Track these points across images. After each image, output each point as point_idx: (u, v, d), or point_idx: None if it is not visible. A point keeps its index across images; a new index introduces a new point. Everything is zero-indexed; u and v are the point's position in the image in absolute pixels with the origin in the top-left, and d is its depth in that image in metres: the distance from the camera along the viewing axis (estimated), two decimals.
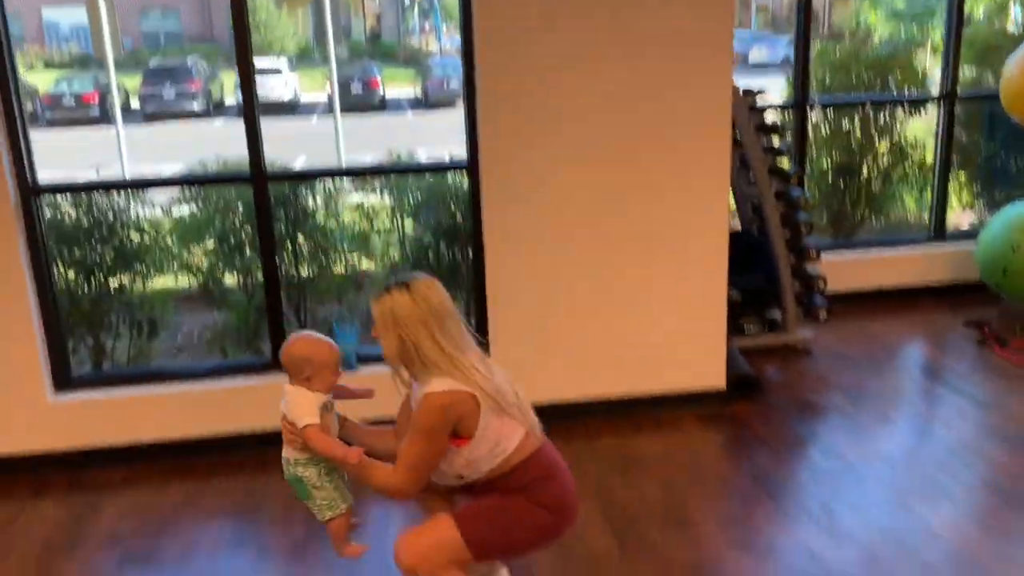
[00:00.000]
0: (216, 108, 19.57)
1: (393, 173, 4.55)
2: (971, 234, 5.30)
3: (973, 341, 4.67)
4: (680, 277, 3.87)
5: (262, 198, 3.67)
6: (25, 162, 3.50)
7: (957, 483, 3.33)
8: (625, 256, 3.82)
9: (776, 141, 4.56)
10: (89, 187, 3.99)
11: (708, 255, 3.87)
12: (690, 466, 3.56)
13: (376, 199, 4.87)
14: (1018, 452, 3.54)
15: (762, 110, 4.53)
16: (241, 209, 4.41)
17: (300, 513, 3.28)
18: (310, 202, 4.59)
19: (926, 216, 5.67)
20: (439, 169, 4.34)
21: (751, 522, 3.12)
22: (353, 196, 5.02)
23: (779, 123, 4.56)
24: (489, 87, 3.58)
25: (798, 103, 5.09)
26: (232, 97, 18.14)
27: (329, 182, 4.62)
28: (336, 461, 2.31)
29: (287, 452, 2.36)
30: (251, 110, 3.58)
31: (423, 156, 4.79)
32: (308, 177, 4.46)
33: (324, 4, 10.39)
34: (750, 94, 4.50)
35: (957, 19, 5.09)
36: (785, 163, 4.76)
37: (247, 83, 3.55)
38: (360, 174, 4.48)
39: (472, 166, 3.73)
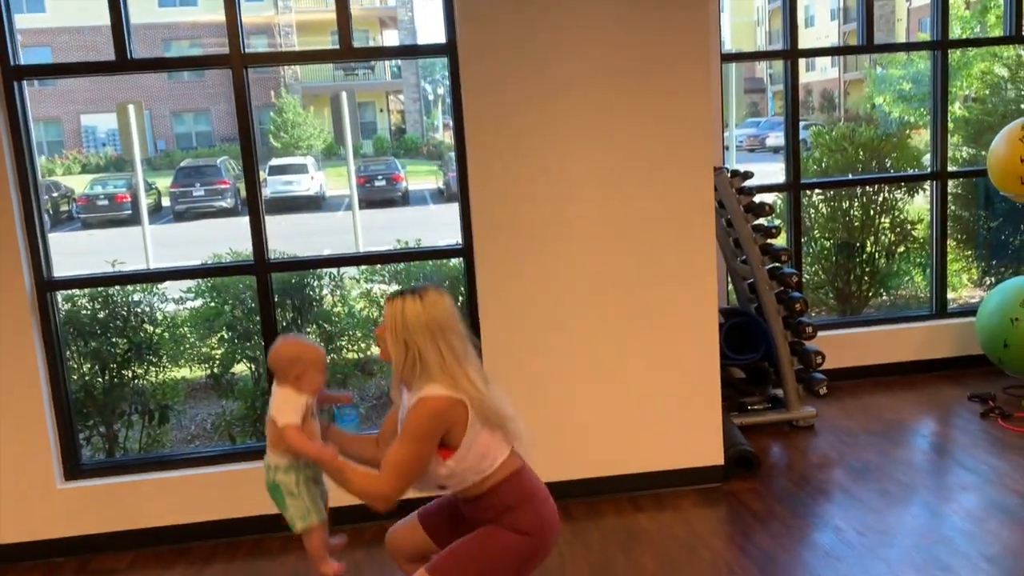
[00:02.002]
0: (244, 205, 20.18)
1: (392, 260, 4.69)
2: (972, 309, 5.33)
3: (976, 414, 4.65)
4: (672, 355, 3.94)
5: (264, 286, 3.83)
6: (42, 258, 3.70)
7: (958, 558, 3.29)
8: (618, 337, 3.90)
9: (765, 220, 4.66)
10: (99, 281, 4.18)
11: (699, 333, 3.94)
12: (687, 543, 3.55)
13: (385, 287, 5.04)
14: (1016, 523, 3.51)
15: (751, 191, 4.66)
16: (248, 299, 4.58)
17: None
18: (317, 290, 4.76)
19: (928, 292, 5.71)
20: (435, 254, 4.49)
21: None
22: (363, 285, 5.20)
23: (769, 203, 4.68)
24: (480, 175, 3.76)
25: (790, 184, 5.23)
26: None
27: (336, 270, 4.79)
28: (311, 459, 2.34)
29: (269, 457, 2.40)
30: (255, 203, 3.78)
31: (440, 244, 4.98)
32: (309, 265, 4.62)
33: (343, 103, 10.80)
34: (738, 175, 4.64)
35: (942, 99, 5.25)
36: (780, 242, 4.87)
37: (251, 178, 3.77)
38: (361, 262, 4.65)
39: (467, 250, 3.88)
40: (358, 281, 5.27)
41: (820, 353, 4.62)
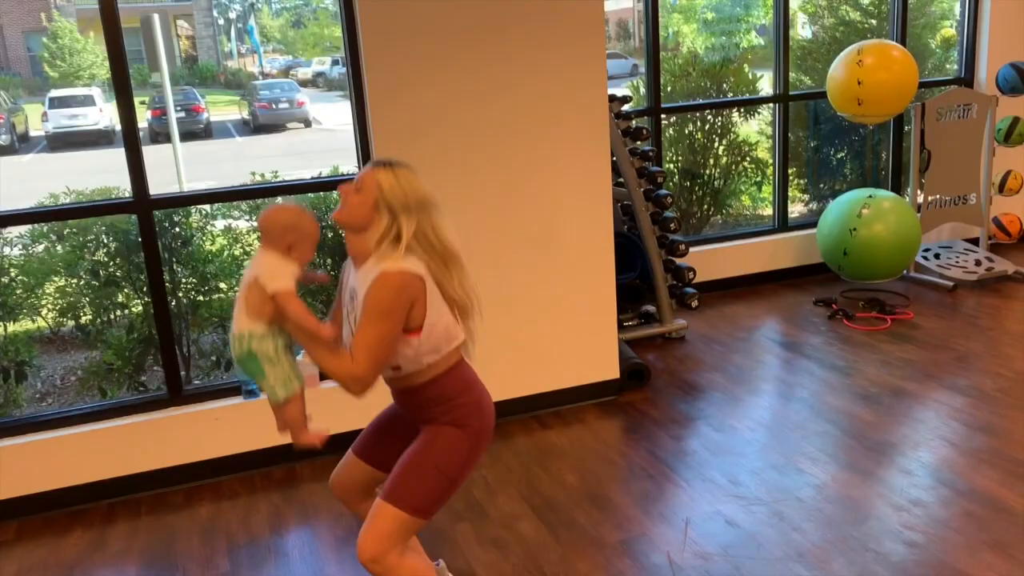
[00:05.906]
0: (22, 141, 18.21)
1: (293, 192, 4.38)
2: (811, 223, 5.84)
3: (824, 317, 5.15)
4: (571, 277, 4.06)
5: (148, 224, 3.56)
6: None
7: (828, 438, 3.70)
8: (517, 260, 3.96)
9: (641, 145, 4.84)
10: None
11: (596, 254, 4.09)
12: (600, 452, 3.74)
13: (244, 224, 4.77)
14: (873, 406, 3.98)
15: (628, 116, 4.80)
16: (111, 241, 4.21)
17: (220, 546, 3.21)
18: (181, 229, 4.45)
19: (770, 209, 6.18)
20: (330, 186, 4.30)
21: (665, 497, 3.33)
22: (219, 222, 4.89)
23: (646, 127, 4.85)
24: (378, 91, 3.64)
25: (652, 109, 5.44)
26: (40, 130, 17.06)
27: (199, 207, 4.49)
28: (307, 330, 2.16)
29: (243, 326, 2.18)
30: (133, 137, 3.46)
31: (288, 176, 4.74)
32: (195, 200, 4.31)
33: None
34: (615, 100, 4.76)
35: (784, 27, 5.60)
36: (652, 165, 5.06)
37: (128, 111, 3.45)
38: (255, 195, 4.40)
39: None
40: (213, 217, 4.95)
41: (692, 269, 4.91)
